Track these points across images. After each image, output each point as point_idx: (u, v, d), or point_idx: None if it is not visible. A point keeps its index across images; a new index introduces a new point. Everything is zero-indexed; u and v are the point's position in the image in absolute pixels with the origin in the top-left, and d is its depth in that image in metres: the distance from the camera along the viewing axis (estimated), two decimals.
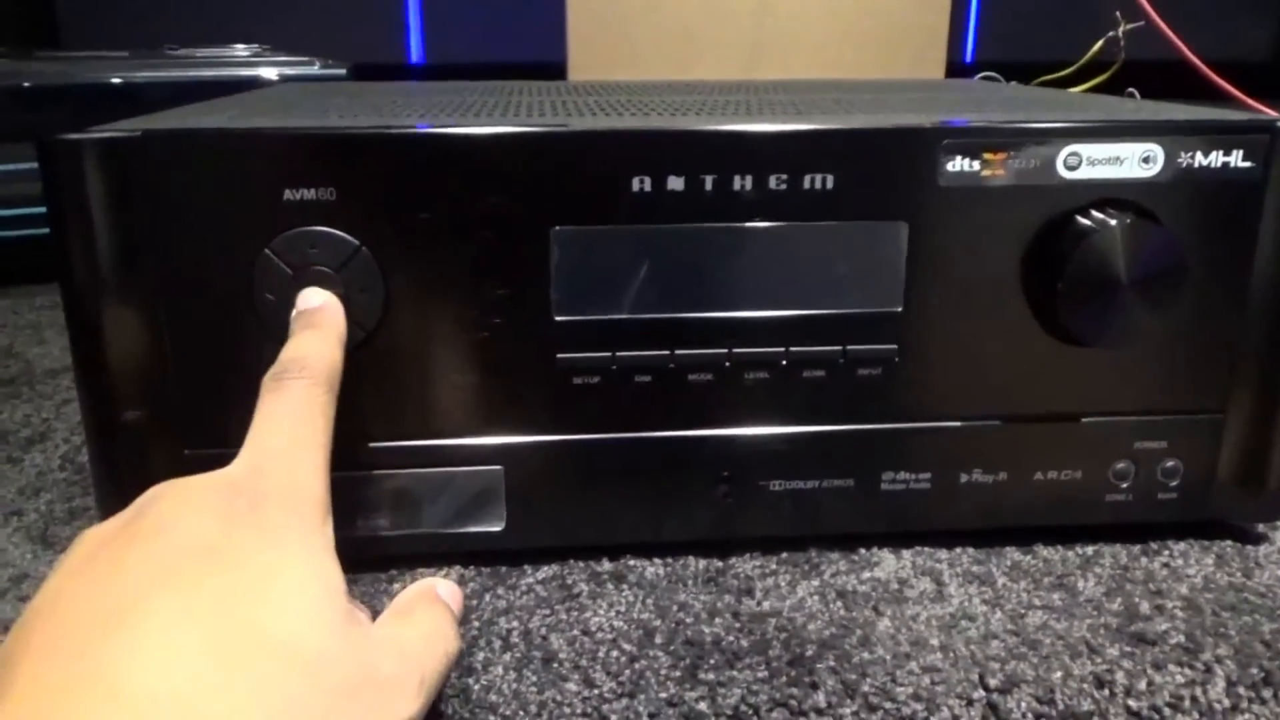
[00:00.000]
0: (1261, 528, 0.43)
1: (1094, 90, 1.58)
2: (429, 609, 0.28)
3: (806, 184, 0.36)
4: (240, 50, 1.39)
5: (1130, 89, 1.47)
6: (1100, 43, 1.64)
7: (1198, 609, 0.37)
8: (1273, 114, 0.40)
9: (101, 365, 0.35)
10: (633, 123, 0.36)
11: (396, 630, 0.27)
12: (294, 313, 0.34)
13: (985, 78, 1.52)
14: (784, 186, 0.36)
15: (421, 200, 0.35)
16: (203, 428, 0.36)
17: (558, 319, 0.37)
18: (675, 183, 0.36)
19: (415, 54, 2.30)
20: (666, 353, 0.38)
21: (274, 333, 0.34)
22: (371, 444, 0.37)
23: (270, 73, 1.28)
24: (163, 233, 0.34)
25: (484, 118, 0.38)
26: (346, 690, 0.23)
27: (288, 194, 0.34)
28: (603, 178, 0.36)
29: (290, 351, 0.32)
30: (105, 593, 0.23)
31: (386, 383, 0.37)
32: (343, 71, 1.30)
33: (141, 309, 0.35)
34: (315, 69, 1.30)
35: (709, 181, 0.36)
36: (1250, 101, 1.35)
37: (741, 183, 0.36)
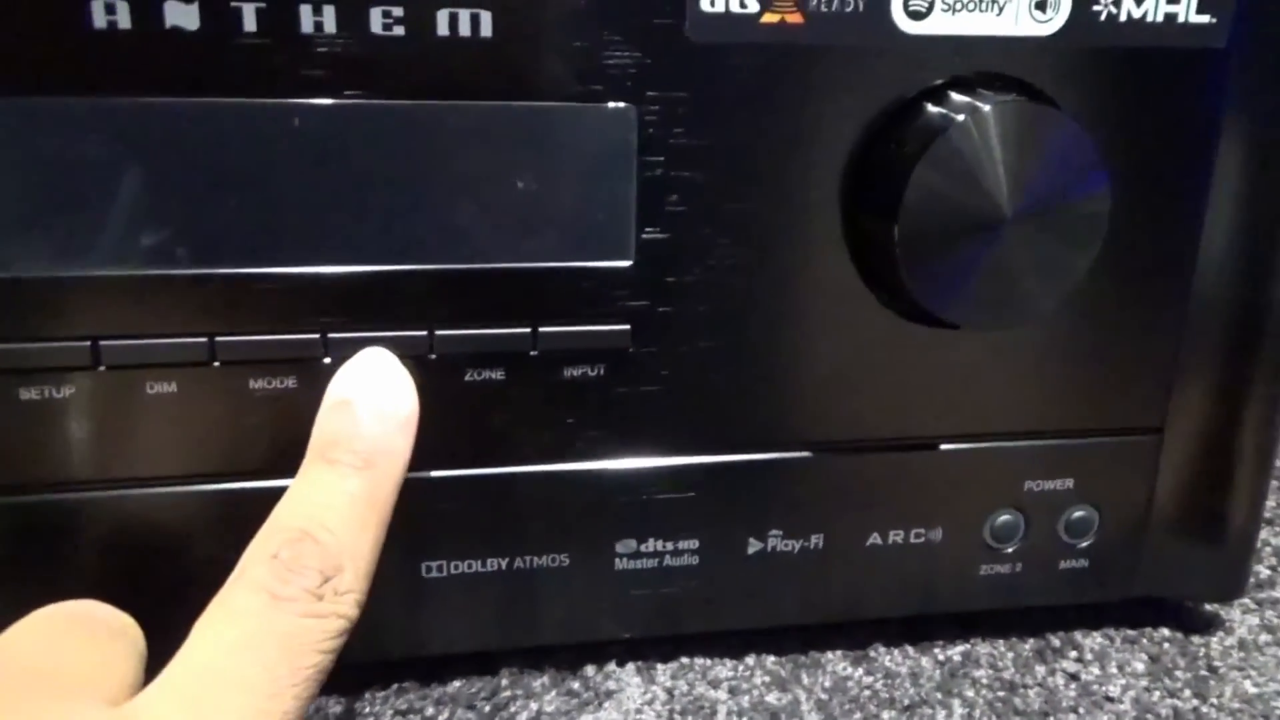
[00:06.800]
0: (1213, 608, 0.28)
1: None
2: None
3: (444, 27, 0.20)
4: None
5: None
6: None
7: None
8: None
9: None
10: None
11: None
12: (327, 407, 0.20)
13: None
14: (401, 30, 0.20)
15: None
16: None
17: None
18: (179, 13, 0.19)
19: None
20: (202, 339, 0.21)
21: None
22: None
23: None
24: None
25: None
26: None
27: None
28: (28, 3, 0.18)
29: (313, 519, 0.19)
30: None
31: None
32: None
33: None
34: None
35: (249, 14, 0.19)
36: None
37: (317, 19, 0.19)
